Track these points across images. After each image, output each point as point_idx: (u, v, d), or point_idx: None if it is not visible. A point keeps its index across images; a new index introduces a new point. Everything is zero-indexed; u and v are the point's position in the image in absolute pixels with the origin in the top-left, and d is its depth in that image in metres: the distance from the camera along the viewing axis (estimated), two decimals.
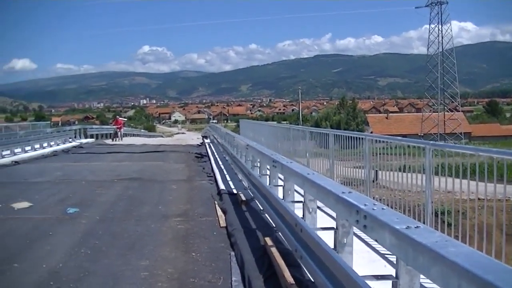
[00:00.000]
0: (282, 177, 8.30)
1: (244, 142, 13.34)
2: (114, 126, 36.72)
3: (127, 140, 35.69)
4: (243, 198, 9.67)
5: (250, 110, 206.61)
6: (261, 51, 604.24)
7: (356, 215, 4.09)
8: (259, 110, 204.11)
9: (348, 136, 9.79)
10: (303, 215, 6.32)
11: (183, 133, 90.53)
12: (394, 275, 3.90)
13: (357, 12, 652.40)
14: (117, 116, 41.82)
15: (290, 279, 4.82)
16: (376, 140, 8.65)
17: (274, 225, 6.97)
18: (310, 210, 6.31)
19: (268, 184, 8.88)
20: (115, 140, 34.45)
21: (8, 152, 21.55)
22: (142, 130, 63.95)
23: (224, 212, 9.06)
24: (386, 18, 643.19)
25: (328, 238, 4.84)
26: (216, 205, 9.79)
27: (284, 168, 7.45)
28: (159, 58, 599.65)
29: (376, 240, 3.84)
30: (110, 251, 6.86)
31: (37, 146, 25.25)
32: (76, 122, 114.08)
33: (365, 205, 4.05)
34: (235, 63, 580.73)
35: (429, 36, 72.40)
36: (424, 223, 5.98)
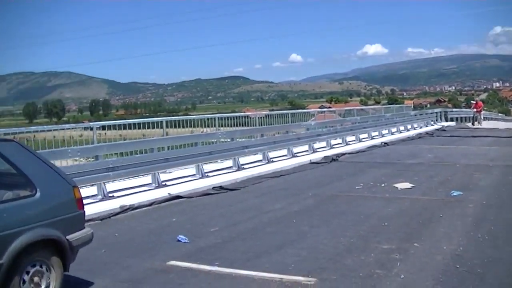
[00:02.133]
0: None
1: None
2: (474, 110, 35.19)
3: (486, 124, 33.94)
4: None
5: None
6: None
7: None
8: None
9: None
10: None
11: None
12: None
13: None
14: (476, 99, 39.68)
15: None
16: None
17: None
18: None
19: None
20: (475, 124, 32.99)
21: (377, 133, 23.34)
22: (500, 114, 59.79)
23: None
24: None
25: None
26: None
27: None
28: None
29: None
30: (509, 238, 6.55)
31: (401, 128, 26.67)
32: (428, 105, 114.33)
33: None
34: None
35: None
36: None
